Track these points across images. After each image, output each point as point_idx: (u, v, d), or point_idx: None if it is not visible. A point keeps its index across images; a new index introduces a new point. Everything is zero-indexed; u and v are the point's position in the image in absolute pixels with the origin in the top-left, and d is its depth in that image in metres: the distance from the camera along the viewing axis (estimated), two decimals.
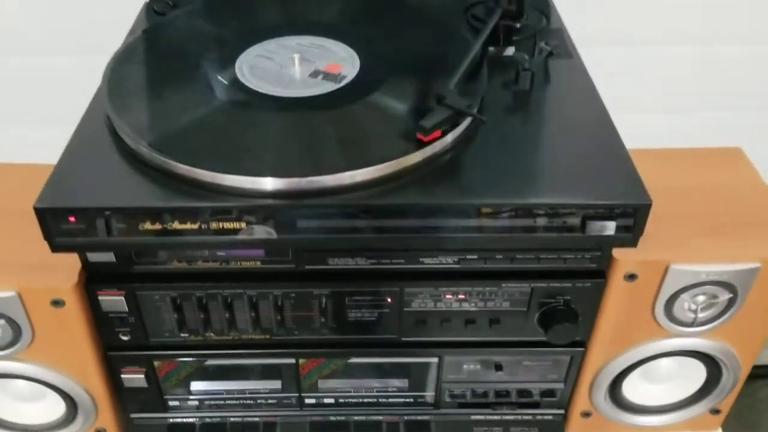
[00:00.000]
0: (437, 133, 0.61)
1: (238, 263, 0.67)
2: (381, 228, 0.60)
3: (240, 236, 0.59)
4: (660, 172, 0.74)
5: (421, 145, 0.61)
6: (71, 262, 0.67)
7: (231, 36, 0.80)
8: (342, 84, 0.71)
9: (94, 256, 0.64)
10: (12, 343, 0.69)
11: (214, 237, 0.60)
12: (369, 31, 0.80)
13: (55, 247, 0.60)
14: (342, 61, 0.75)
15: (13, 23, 1.10)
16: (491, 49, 0.78)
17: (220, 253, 0.66)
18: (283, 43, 0.78)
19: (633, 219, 0.59)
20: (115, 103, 0.67)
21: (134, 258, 0.66)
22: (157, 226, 0.58)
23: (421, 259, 0.67)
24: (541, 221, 0.60)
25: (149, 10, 0.89)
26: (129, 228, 0.59)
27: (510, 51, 0.78)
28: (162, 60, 0.77)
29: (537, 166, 0.63)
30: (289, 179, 0.59)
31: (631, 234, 0.60)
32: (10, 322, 0.67)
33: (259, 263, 0.67)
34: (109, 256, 0.64)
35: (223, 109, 0.68)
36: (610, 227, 0.58)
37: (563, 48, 0.80)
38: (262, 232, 0.59)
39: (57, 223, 0.58)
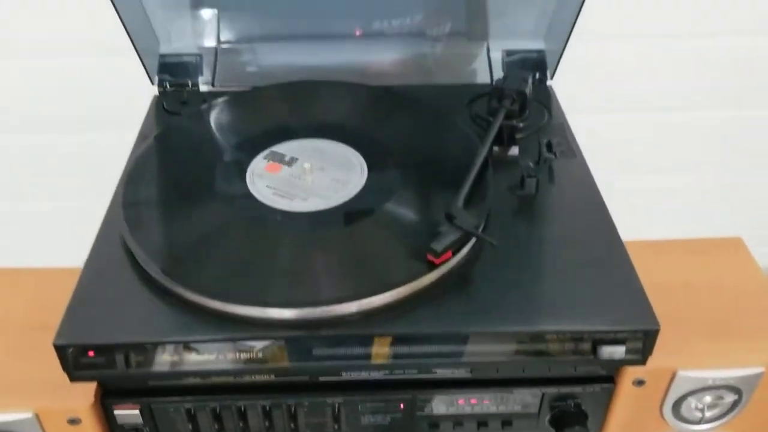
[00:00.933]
0: (448, 254, 0.63)
1: (252, 377, 0.68)
2: (395, 354, 0.62)
3: (255, 366, 0.61)
4: (661, 267, 0.78)
5: (432, 267, 0.63)
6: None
7: (241, 140, 0.82)
8: (352, 195, 0.73)
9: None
10: None
11: (230, 366, 0.61)
12: (376, 133, 0.82)
13: (74, 379, 0.61)
14: (350, 168, 0.76)
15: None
16: (495, 148, 0.80)
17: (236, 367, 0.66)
18: (292, 148, 0.80)
19: (642, 343, 0.61)
20: (130, 225, 0.68)
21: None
22: (175, 358, 0.60)
23: (434, 370, 0.68)
24: (553, 346, 0.61)
25: (159, 106, 0.91)
26: (147, 360, 0.60)
27: (514, 151, 0.80)
28: (173, 174, 0.79)
29: (546, 288, 0.65)
30: (302, 309, 0.60)
31: (640, 356, 0.62)
32: None
33: (273, 377, 0.68)
34: (126, 372, 0.63)
35: (234, 229, 0.70)
36: (620, 352, 0.60)
37: (566, 145, 0.82)
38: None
39: (76, 358, 0.60)
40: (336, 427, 0.73)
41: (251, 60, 0.99)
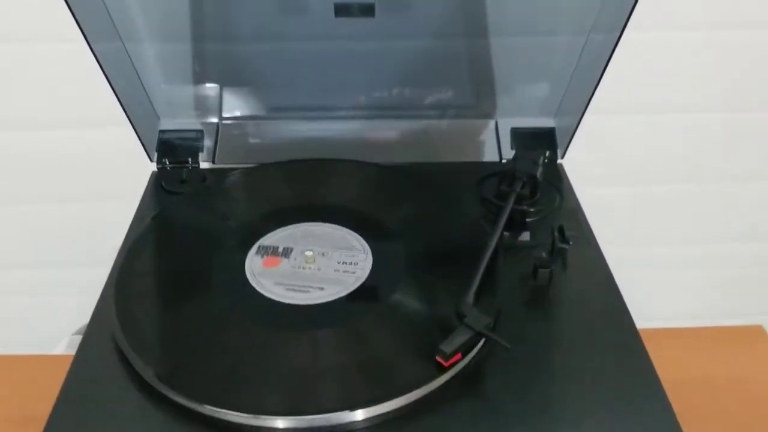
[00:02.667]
0: (458, 356, 0.60)
1: None
2: None
3: None
4: (679, 358, 0.76)
5: (441, 370, 0.60)
6: None
7: (240, 225, 0.80)
8: (356, 286, 0.70)
9: None
10: None
11: None
12: (380, 218, 0.80)
13: None
14: (354, 254, 0.74)
15: None
16: (505, 234, 0.78)
17: None
18: (292, 233, 0.78)
19: None
20: (122, 323, 0.66)
21: None
22: None
23: None
24: None
25: (157, 184, 0.89)
26: None
27: (525, 236, 0.78)
28: (168, 264, 0.77)
29: (562, 392, 0.61)
30: (303, 417, 0.57)
31: None
32: None
33: None
34: None
35: (231, 328, 0.67)
36: None
37: (579, 231, 0.79)
38: None
39: None
40: None
41: (253, 134, 0.99)
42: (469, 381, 0.63)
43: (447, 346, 0.60)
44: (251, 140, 0.99)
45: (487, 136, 0.97)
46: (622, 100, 1.09)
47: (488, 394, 0.61)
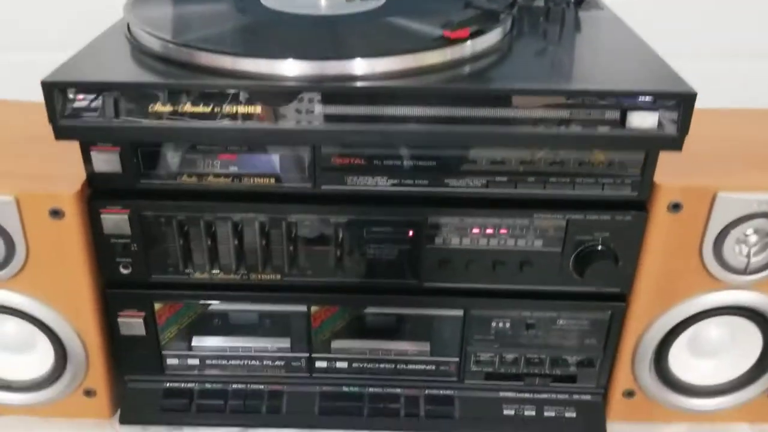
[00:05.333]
0: (465, 32, 0.61)
1: (251, 180, 0.66)
2: (405, 118, 0.60)
3: (255, 124, 0.59)
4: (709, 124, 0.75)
5: (446, 42, 0.62)
6: (75, 173, 0.67)
7: None
8: (371, 6, 0.73)
9: (100, 163, 0.64)
10: (4, 263, 0.68)
11: (228, 125, 0.59)
12: None
13: (60, 132, 0.60)
14: None
15: None
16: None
17: (232, 168, 0.65)
18: None
19: (677, 113, 0.58)
20: (137, 12, 0.69)
21: (142, 169, 0.65)
22: (168, 108, 0.58)
23: (446, 181, 0.66)
24: (579, 114, 0.59)
25: None
26: (138, 109, 0.59)
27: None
28: None
29: (573, 64, 0.64)
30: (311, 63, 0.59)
31: (675, 133, 0.59)
32: (4, 234, 0.67)
33: (273, 181, 0.66)
34: (115, 164, 0.64)
35: (246, 18, 0.70)
36: (651, 119, 0.57)
37: (593, 1, 0.82)
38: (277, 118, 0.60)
39: (63, 101, 0.59)
40: (338, 253, 0.70)
41: None
42: (476, 64, 0.63)
43: (453, 18, 0.63)
44: None
45: None
46: None
47: (497, 67, 0.63)
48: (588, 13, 0.79)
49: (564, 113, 0.59)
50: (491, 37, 0.65)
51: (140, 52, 0.65)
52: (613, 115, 0.58)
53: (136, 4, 0.71)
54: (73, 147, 0.66)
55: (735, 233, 0.67)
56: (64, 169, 0.68)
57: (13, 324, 0.74)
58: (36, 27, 1.08)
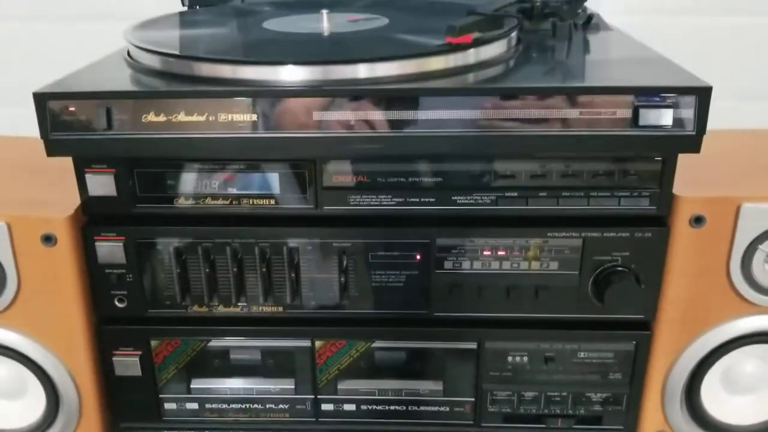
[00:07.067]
0: (468, 38, 0.60)
1: (251, 202, 0.64)
2: (402, 122, 0.58)
3: (251, 132, 0.58)
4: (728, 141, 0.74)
5: (449, 49, 0.61)
6: (70, 200, 0.66)
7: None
8: (372, 26, 0.73)
9: (94, 186, 0.63)
10: None
11: (222, 134, 0.58)
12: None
13: (51, 146, 0.59)
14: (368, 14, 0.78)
15: None
16: (526, 23, 0.77)
17: (231, 189, 0.64)
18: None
19: (694, 109, 0.56)
20: (137, 34, 0.69)
21: (138, 192, 0.64)
22: (161, 118, 0.57)
23: (453, 198, 0.64)
24: (588, 112, 0.57)
25: None
26: (131, 120, 0.58)
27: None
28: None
29: (583, 69, 0.63)
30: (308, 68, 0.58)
31: (692, 132, 0.57)
32: None
33: (273, 202, 0.64)
34: (110, 187, 0.63)
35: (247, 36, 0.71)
36: (666, 117, 0.55)
37: (601, 22, 0.81)
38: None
39: (55, 113, 0.58)
40: (342, 280, 0.68)
41: None
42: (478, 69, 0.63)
43: (456, 23, 0.61)
44: None
45: None
46: None
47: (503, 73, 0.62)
48: (597, 34, 0.78)
49: (575, 113, 0.57)
50: (497, 47, 0.65)
51: (138, 71, 0.64)
52: (626, 113, 0.57)
53: (137, 29, 0.72)
54: (68, 176, 0.65)
55: (764, 249, 0.63)
56: (58, 196, 0.67)
57: (2, 367, 0.72)
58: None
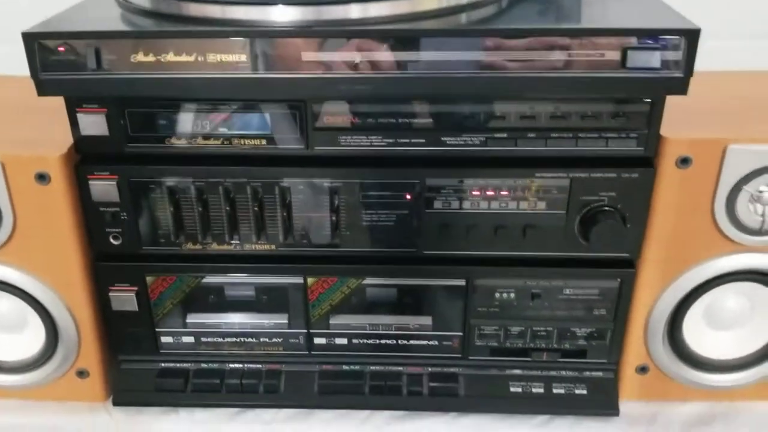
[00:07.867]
0: None
1: (243, 142, 0.65)
2: (394, 63, 0.58)
3: (241, 72, 0.58)
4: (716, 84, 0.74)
5: None
6: (63, 139, 0.66)
7: None
8: None
9: (86, 126, 0.63)
10: None
11: (211, 74, 0.58)
12: None
13: (42, 86, 0.60)
14: None
15: None
16: None
17: (222, 129, 0.64)
18: None
19: (682, 51, 0.56)
20: None
21: (130, 132, 0.65)
22: (150, 58, 0.58)
23: (443, 139, 0.65)
24: (577, 54, 0.57)
25: None
26: (120, 60, 0.58)
27: None
28: None
29: (571, 9, 0.63)
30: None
31: (680, 74, 0.57)
32: None
33: (265, 142, 0.65)
34: (102, 126, 0.63)
35: None
36: (654, 58, 0.56)
37: None
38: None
39: (45, 53, 0.58)
40: (333, 218, 0.69)
41: None
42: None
43: None
44: None
45: None
46: None
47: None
48: None
49: (563, 54, 0.57)
50: None
51: (127, 10, 0.64)
52: (614, 56, 0.57)
53: None
54: (62, 115, 0.65)
55: (748, 189, 0.65)
56: (52, 134, 0.68)
57: (2, 301, 0.73)
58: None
